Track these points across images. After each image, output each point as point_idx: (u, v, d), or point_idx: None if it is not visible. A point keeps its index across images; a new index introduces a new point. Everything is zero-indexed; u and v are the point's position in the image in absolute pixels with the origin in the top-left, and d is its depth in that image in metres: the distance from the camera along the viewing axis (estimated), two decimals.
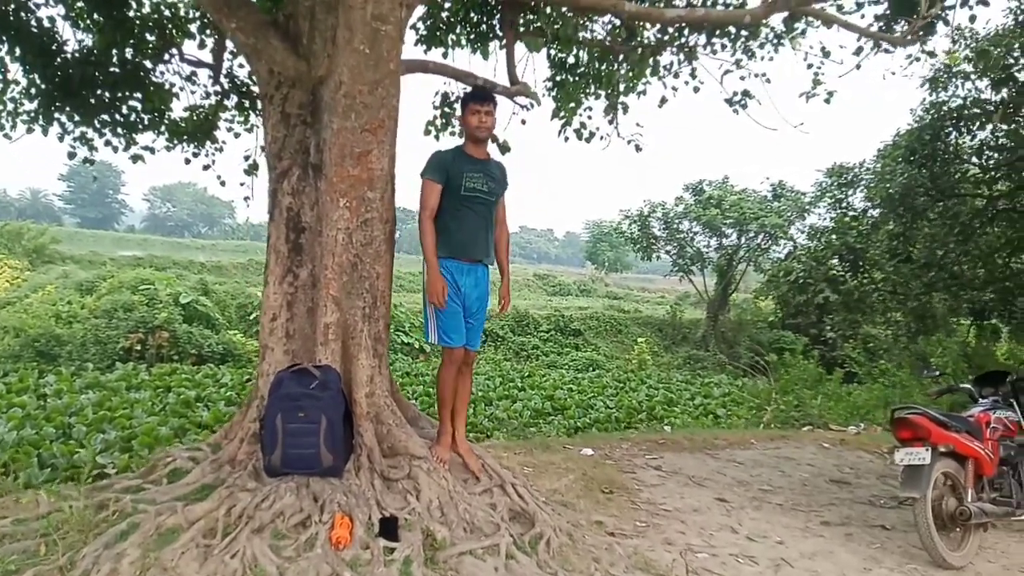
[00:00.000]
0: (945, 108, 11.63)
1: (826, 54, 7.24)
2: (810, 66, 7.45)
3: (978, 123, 11.63)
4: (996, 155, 12.46)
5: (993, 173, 12.54)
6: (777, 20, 7.22)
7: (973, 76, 10.73)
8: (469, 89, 4.73)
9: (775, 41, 7.55)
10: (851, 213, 17.24)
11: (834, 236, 16.55)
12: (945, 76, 11.27)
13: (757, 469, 6.60)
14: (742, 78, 7.63)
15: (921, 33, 5.51)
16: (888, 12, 7.61)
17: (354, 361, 3.91)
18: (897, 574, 4.37)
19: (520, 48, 6.65)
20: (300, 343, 4.03)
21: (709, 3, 6.97)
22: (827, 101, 7.73)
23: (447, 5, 7.59)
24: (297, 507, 3.41)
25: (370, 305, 3.96)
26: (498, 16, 7.29)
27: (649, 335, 29.70)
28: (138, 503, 3.52)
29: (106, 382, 13.07)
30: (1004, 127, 10.89)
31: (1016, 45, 9.98)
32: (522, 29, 5.97)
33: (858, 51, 7.35)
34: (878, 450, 7.52)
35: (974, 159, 12.56)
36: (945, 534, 4.55)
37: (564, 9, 5.40)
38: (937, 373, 6.37)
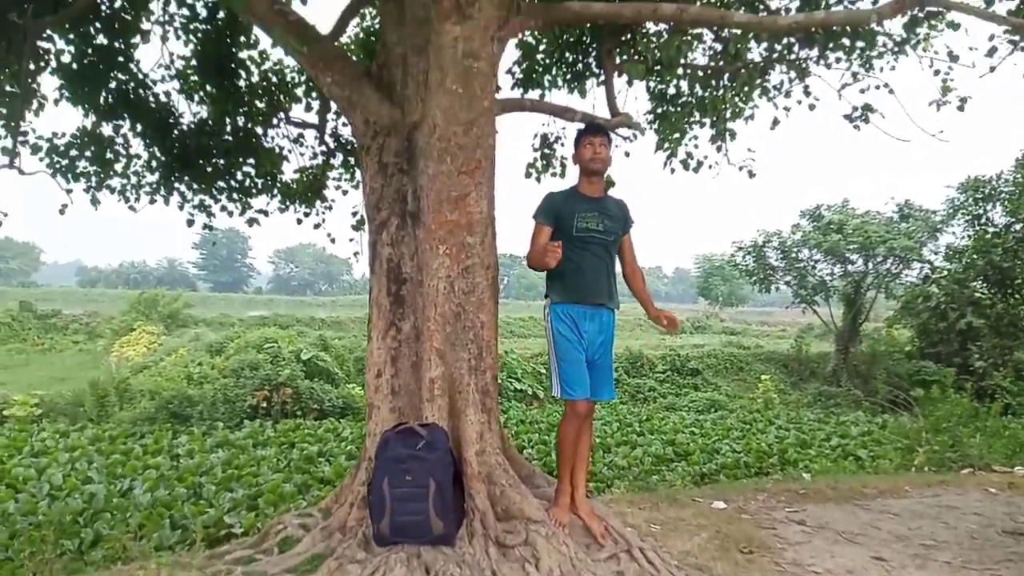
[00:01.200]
0: None
1: (954, 58, 6.63)
2: (936, 72, 6.85)
3: None
4: None
5: None
6: (897, 27, 6.70)
7: None
8: (570, 126, 4.54)
9: (895, 49, 7.00)
10: (992, 229, 15.77)
11: (976, 255, 15.16)
12: None
13: (916, 521, 5.84)
14: (862, 91, 7.11)
15: None
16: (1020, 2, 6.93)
17: (462, 417, 3.67)
18: None
19: (619, 82, 6.43)
20: (406, 400, 3.84)
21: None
22: (960, 108, 7.07)
23: (542, 47, 7.50)
24: None
25: (476, 357, 3.73)
26: (594, 54, 7.13)
27: (773, 372, 28.14)
28: (249, 574, 3.38)
29: (234, 440, 13.50)
30: None
31: None
32: (622, 58, 5.72)
33: (991, 52, 6.69)
34: None
35: None
36: None
37: (665, 29, 5.11)
38: None
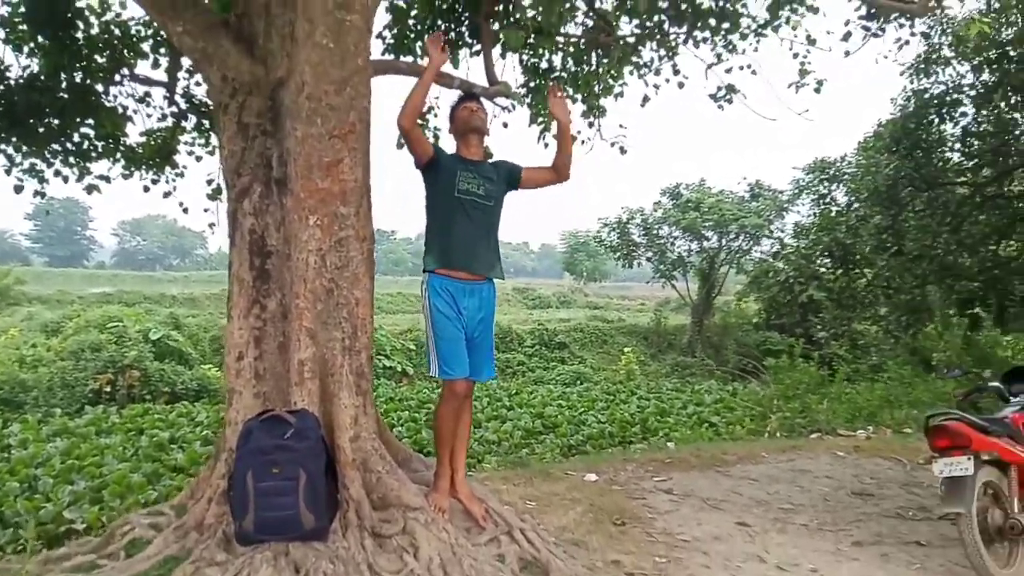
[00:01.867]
0: (928, 95, 11.41)
1: (811, 42, 6.95)
2: (796, 55, 7.17)
3: (960, 110, 11.46)
4: (979, 142, 12.27)
5: (978, 160, 12.36)
6: (760, 9, 6.93)
7: (955, 62, 10.54)
8: (444, 94, 4.37)
9: (758, 31, 7.25)
10: (835, 208, 17.04)
11: (821, 232, 16.33)
12: (927, 62, 11.07)
13: (774, 486, 6.17)
14: (727, 71, 7.34)
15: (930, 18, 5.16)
16: None
17: (334, 401, 3.41)
18: None
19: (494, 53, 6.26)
20: (272, 384, 3.52)
21: None
22: (817, 91, 7.45)
23: (414, 12, 7.22)
24: None
25: (350, 336, 3.46)
26: (467, 23, 6.93)
27: (635, 344, 29.27)
28: None
29: (75, 428, 12.48)
30: (987, 113, 10.70)
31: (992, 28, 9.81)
32: (501, 25, 5.55)
33: (846, 37, 7.08)
34: (895, 456, 7.14)
35: (958, 146, 12.37)
36: (992, 549, 4.14)
37: None
38: (959, 373, 6.00)
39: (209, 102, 7.47)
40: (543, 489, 5.75)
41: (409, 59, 7.23)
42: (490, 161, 4.05)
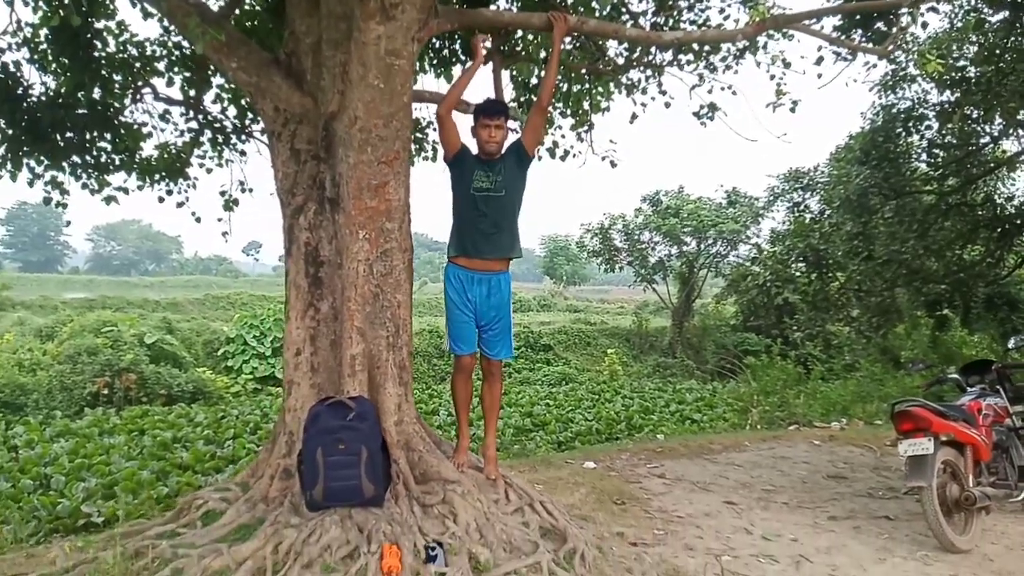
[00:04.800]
0: (895, 110, 12.14)
1: (787, 65, 7.53)
2: (772, 77, 7.74)
3: (926, 124, 12.19)
4: (944, 153, 13.03)
5: (943, 170, 13.12)
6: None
7: (921, 79, 11.27)
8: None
9: (737, 55, 7.82)
10: (809, 215, 17.81)
11: (796, 239, 17.07)
12: (894, 80, 11.80)
13: (757, 470, 6.76)
14: (709, 91, 7.88)
15: (899, 42, 5.80)
16: (843, 22, 8.01)
17: (381, 390, 3.95)
18: (910, 562, 4.53)
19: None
20: (325, 376, 4.05)
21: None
22: (792, 110, 8.03)
23: None
24: (344, 539, 3.42)
25: (393, 334, 4.01)
26: (460, 41, 7.42)
27: (617, 346, 29.97)
28: (177, 548, 3.49)
29: (77, 429, 12.74)
30: (951, 126, 11.44)
31: (955, 47, 10.56)
32: (506, 53, 6.08)
33: (819, 61, 7.70)
34: (866, 444, 7.76)
35: (924, 157, 13.12)
36: (950, 520, 4.73)
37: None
38: (922, 367, 6.62)
39: (224, 120, 7.96)
40: (548, 475, 6.31)
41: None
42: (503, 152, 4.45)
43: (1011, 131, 12.96)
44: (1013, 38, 9.71)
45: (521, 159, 4.39)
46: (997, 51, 10.00)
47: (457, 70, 7.89)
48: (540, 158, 8.31)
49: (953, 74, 10.00)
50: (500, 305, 4.37)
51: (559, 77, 7.79)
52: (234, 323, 23.18)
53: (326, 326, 4.08)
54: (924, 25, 7.71)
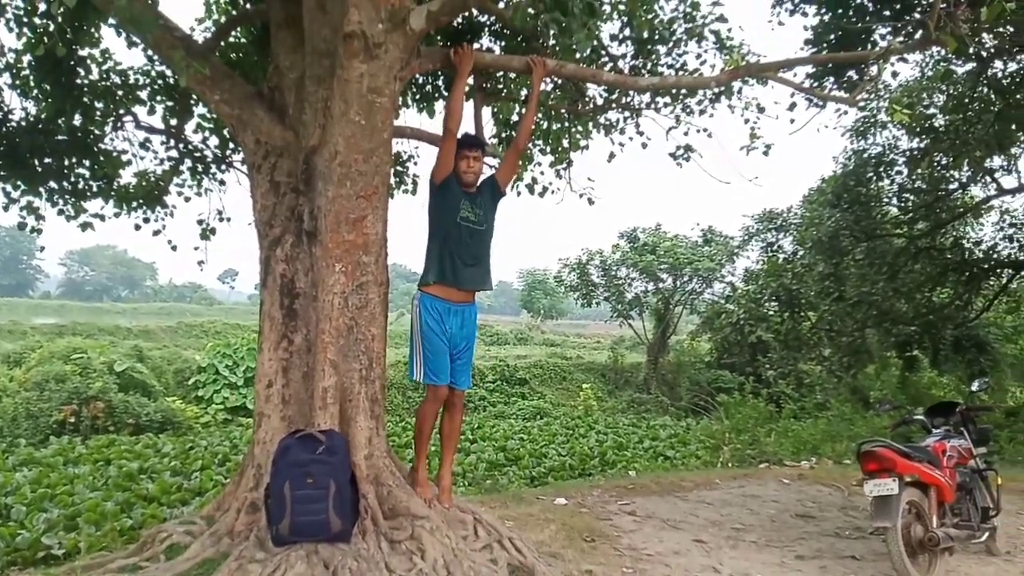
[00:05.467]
0: (866, 155, 12.47)
1: (760, 110, 7.74)
2: (747, 121, 7.94)
3: (896, 169, 12.53)
4: (914, 198, 13.38)
5: (912, 214, 13.44)
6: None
7: (891, 125, 11.61)
8: (423, 146, 4.97)
9: (712, 99, 8.02)
10: (782, 255, 18.12)
11: (769, 278, 17.35)
12: (865, 126, 12.15)
13: (726, 508, 6.79)
14: (685, 133, 8.05)
15: (868, 91, 6.01)
16: (816, 70, 8.27)
17: (352, 424, 3.95)
18: None
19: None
20: (296, 408, 4.05)
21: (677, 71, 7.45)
22: (765, 153, 8.23)
23: None
24: (309, 575, 3.39)
25: (366, 367, 4.02)
26: (442, 77, 7.56)
27: (593, 381, 29.99)
28: None
29: (41, 458, 12.45)
30: (920, 171, 11.77)
31: (924, 96, 10.92)
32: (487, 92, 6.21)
33: (791, 107, 7.93)
34: (835, 483, 7.82)
35: (894, 201, 13.45)
36: (915, 560, 4.77)
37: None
38: (889, 408, 6.73)
39: (204, 149, 7.99)
40: (518, 511, 6.29)
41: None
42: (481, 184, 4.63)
43: (979, 178, 13.35)
44: (980, 89, 10.06)
45: (495, 195, 4.57)
46: (965, 100, 10.36)
47: (439, 105, 8.04)
48: (519, 193, 8.42)
49: (922, 122, 10.32)
50: (470, 336, 4.49)
51: (539, 116, 7.96)
52: (206, 352, 22.91)
53: (299, 358, 4.08)
54: (895, 74, 8.02)
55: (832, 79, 8.34)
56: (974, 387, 6.45)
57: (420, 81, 8.05)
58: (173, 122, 7.60)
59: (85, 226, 7.93)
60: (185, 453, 13.26)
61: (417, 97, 8.06)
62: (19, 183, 7.32)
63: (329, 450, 3.58)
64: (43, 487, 9.76)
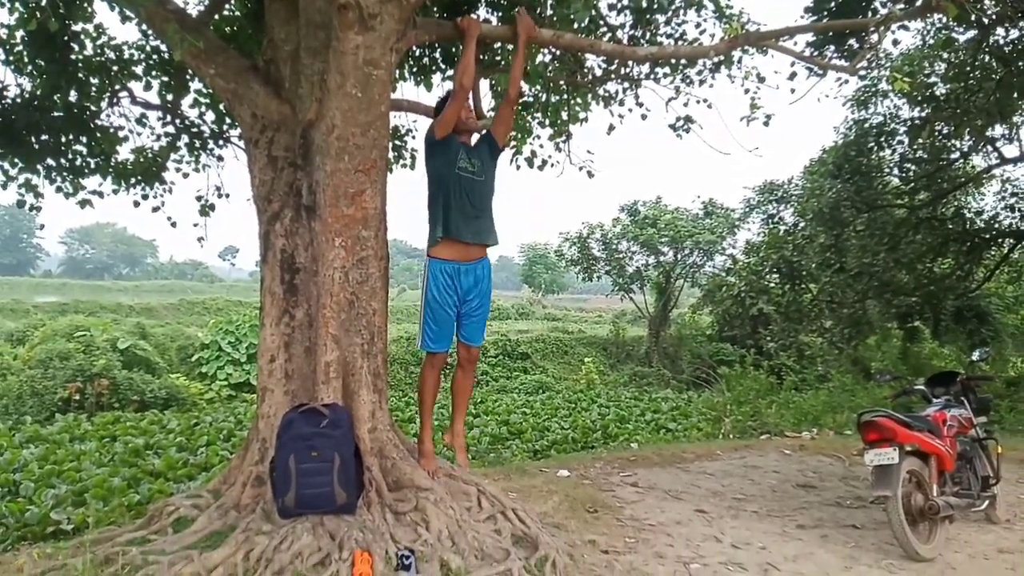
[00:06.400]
0: (867, 125, 12.38)
1: (761, 80, 7.66)
2: (747, 91, 7.86)
3: (897, 138, 12.44)
4: (915, 167, 13.30)
5: (914, 184, 13.38)
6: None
7: (892, 95, 11.51)
8: (421, 119, 4.92)
9: (712, 69, 7.94)
10: (783, 227, 18.07)
11: (770, 250, 17.32)
12: (866, 95, 12.04)
13: (728, 479, 6.84)
14: (685, 104, 7.98)
15: (869, 60, 5.94)
16: (816, 39, 8.17)
17: (355, 398, 3.96)
18: (875, 570, 4.61)
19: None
20: (299, 383, 4.06)
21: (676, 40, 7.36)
22: (766, 124, 8.16)
23: None
24: (315, 547, 3.43)
25: (368, 341, 4.02)
26: (439, 49, 7.48)
27: (594, 354, 30.09)
28: (147, 555, 3.48)
29: (48, 435, 12.59)
30: (921, 141, 11.69)
31: (925, 64, 10.81)
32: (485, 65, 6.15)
33: (792, 76, 7.85)
34: (835, 454, 7.87)
35: (895, 172, 13.38)
36: (915, 529, 4.82)
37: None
38: (889, 378, 6.74)
39: (201, 124, 7.94)
40: (521, 483, 6.34)
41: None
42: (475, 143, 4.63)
43: (980, 147, 13.26)
44: (981, 56, 9.96)
45: (492, 149, 4.54)
46: (966, 68, 10.26)
47: (437, 78, 7.97)
48: (519, 167, 8.39)
49: (923, 91, 10.23)
50: (485, 292, 4.49)
51: (538, 88, 7.89)
52: (209, 329, 22.99)
53: (301, 333, 4.08)
54: (895, 42, 7.91)
55: (833, 47, 8.24)
56: (975, 357, 6.47)
57: (417, 54, 7.98)
58: (169, 97, 7.55)
59: (84, 203, 7.91)
60: (190, 429, 13.38)
61: (414, 70, 8.00)
62: (16, 160, 7.29)
63: (333, 423, 3.60)
64: (50, 464, 9.89)
